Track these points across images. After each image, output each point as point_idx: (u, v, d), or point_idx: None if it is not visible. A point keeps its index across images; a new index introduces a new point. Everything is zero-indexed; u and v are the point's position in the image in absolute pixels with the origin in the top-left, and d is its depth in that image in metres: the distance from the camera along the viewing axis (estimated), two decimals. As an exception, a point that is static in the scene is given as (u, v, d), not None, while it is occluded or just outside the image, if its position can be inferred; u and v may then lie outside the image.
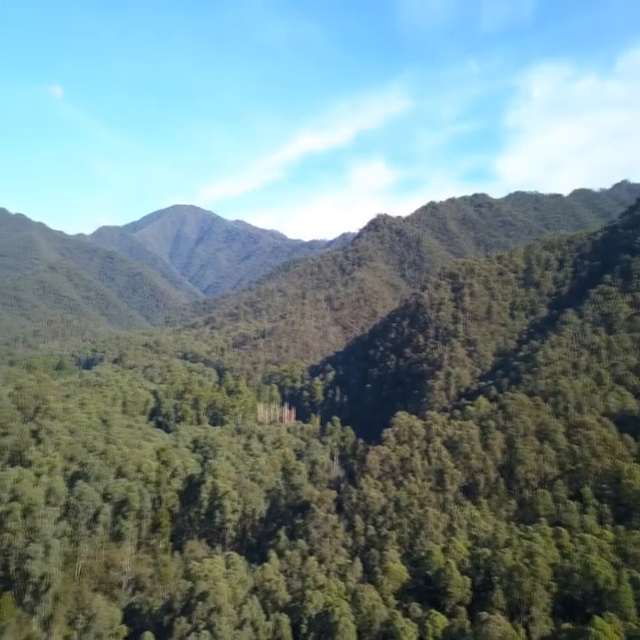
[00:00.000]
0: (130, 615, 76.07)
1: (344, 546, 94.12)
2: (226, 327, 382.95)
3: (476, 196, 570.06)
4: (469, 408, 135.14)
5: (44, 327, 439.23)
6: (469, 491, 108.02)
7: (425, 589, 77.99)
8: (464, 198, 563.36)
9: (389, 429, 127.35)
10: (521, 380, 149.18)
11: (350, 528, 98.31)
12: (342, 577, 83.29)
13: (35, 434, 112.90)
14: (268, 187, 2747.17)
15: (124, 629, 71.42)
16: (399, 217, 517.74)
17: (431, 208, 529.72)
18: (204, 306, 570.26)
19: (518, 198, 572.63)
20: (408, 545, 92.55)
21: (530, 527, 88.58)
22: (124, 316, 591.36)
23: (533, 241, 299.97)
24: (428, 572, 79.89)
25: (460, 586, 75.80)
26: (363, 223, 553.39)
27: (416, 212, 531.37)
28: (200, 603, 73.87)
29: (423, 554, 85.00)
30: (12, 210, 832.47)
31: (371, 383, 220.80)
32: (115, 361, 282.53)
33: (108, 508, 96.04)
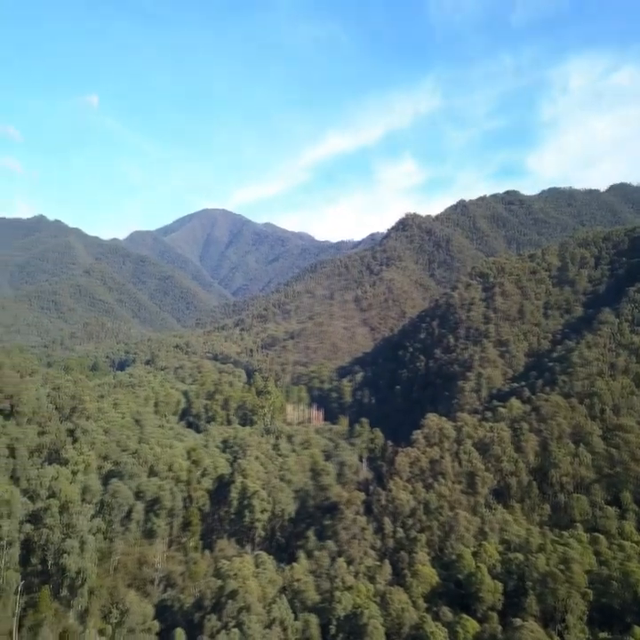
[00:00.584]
0: (162, 611, 77.54)
1: (373, 548, 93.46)
2: (255, 328, 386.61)
3: (507, 193, 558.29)
4: (501, 410, 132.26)
5: (80, 330, 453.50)
6: (501, 494, 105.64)
7: (455, 593, 76.69)
8: (495, 196, 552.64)
9: (419, 431, 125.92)
10: (556, 381, 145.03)
11: (379, 530, 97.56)
12: (371, 579, 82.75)
13: (71, 433, 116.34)
14: (296, 189, 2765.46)
15: (156, 625, 72.84)
16: (428, 216, 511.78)
17: (461, 207, 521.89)
18: (234, 308, 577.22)
19: (552, 195, 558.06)
20: (438, 548, 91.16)
21: (565, 532, 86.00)
22: (155, 318, 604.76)
23: (568, 238, 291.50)
24: (459, 576, 78.56)
25: (491, 591, 74.21)
26: (391, 223, 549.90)
27: (445, 210, 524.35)
28: (230, 601, 74.71)
29: (454, 557, 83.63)
30: (51, 216, 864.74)
31: (400, 384, 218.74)
32: (147, 362, 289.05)
33: (140, 506, 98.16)
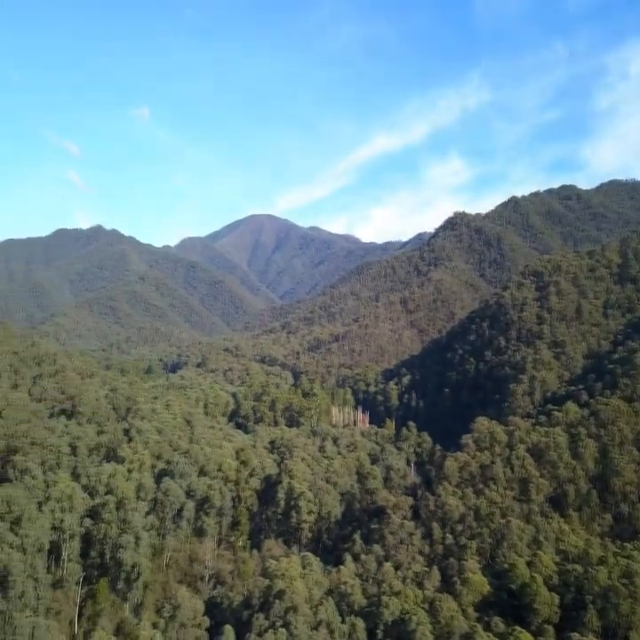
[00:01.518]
0: (211, 608, 79.30)
1: (421, 553, 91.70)
2: (301, 331, 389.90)
3: (562, 187, 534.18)
4: (557, 414, 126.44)
5: (135, 334, 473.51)
6: (557, 502, 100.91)
7: (508, 604, 73.87)
8: (549, 191, 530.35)
9: (468, 435, 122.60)
10: (617, 384, 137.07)
11: (427, 535, 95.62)
12: (419, 585, 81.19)
13: (127, 432, 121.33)
14: (341, 191, 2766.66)
15: (206, 621, 74.57)
16: (478, 214, 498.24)
17: (512, 203, 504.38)
18: (281, 311, 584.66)
19: (612, 188, 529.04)
20: (489, 556, 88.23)
21: (628, 544, 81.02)
22: (206, 322, 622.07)
23: (630, 233, 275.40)
24: (512, 586, 75.66)
25: (547, 603, 70.96)
26: (439, 222, 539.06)
27: (496, 208, 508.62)
28: (277, 601, 75.36)
29: (506, 566, 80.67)
30: (108, 226, 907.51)
31: (448, 388, 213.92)
32: (198, 365, 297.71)
33: (191, 505, 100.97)
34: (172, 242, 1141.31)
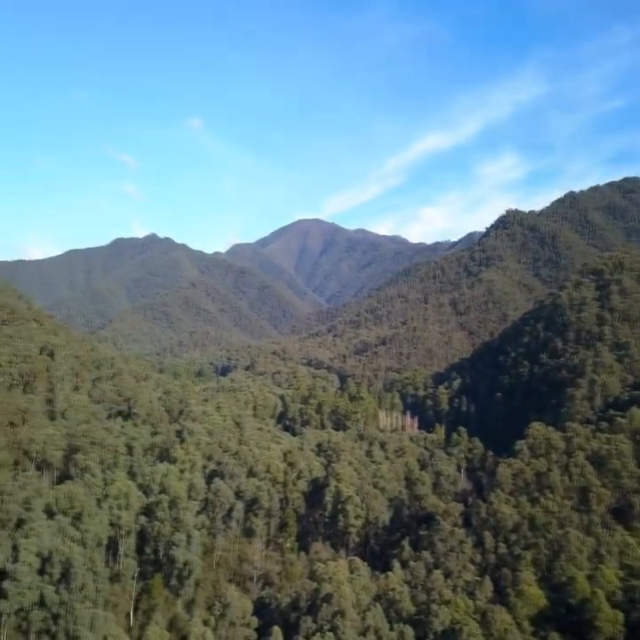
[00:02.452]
0: (260, 608, 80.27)
1: (472, 562, 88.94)
2: (347, 334, 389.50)
3: (625, 180, 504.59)
4: (620, 420, 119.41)
5: (187, 338, 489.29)
6: (620, 513, 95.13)
7: (566, 619, 70.28)
8: (610, 185, 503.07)
9: (523, 441, 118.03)
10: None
11: (479, 544, 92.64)
12: (470, 594, 78.76)
13: (179, 434, 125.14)
14: (388, 192, 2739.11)
15: (255, 621, 75.53)
16: (532, 212, 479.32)
17: (570, 199, 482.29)
18: (327, 314, 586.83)
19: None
20: (545, 568, 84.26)
21: (701, 562, 75.15)
22: (254, 326, 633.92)
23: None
24: (571, 601, 71.97)
25: (610, 620, 66.96)
26: (490, 221, 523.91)
27: (552, 204, 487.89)
28: (325, 604, 75.26)
29: (564, 579, 76.90)
30: (161, 234, 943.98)
31: (501, 392, 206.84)
32: (246, 368, 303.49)
33: (240, 505, 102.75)
34: (223, 248, 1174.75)
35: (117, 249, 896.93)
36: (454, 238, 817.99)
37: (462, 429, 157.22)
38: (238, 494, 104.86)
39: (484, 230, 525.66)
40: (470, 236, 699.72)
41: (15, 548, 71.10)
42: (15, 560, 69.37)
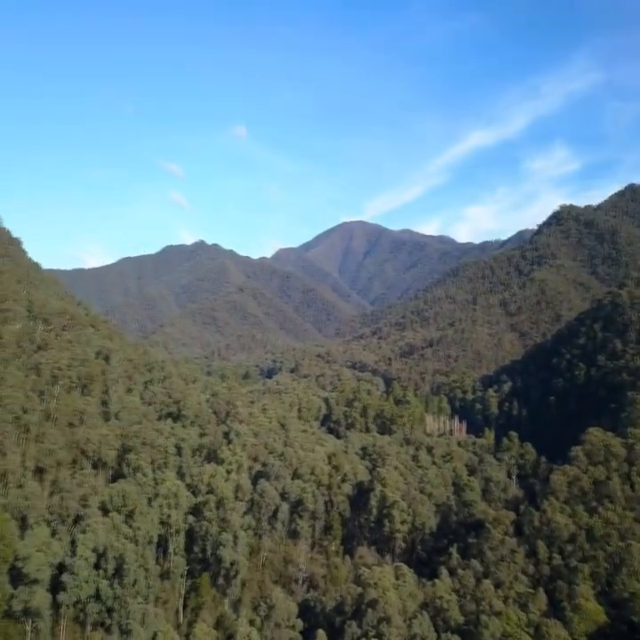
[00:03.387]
0: (304, 610, 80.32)
1: (524, 573, 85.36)
2: (392, 337, 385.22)
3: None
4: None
5: (234, 341, 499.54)
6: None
7: (628, 637, 66.12)
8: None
9: (579, 447, 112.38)
10: None
11: (531, 554, 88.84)
12: (523, 607, 75.56)
13: (226, 435, 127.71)
14: (434, 191, 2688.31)
15: (300, 623, 75.66)
16: (588, 206, 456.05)
17: (630, 192, 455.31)
18: (372, 317, 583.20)
19: None
20: (605, 582, 79.70)
21: None
22: (299, 329, 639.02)
23: None
24: (633, 618, 67.63)
25: (677, 642, 62.37)
26: (542, 218, 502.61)
27: (610, 198, 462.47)
28: (370, 610, 74.40)
29: (626, 595, 72.42)
30: (209, 241, 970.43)
31: (554, 395, 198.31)
32: (291, 370, 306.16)
33: (285, 507, 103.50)
34: (268, 253, 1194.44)
35: (167, 256, 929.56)
36: (503, 237, 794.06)
37: (513, 434, 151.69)
38: (283, 496, 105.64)
39: (535, 228, 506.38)
40: (520, 234, 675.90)
41: (73, 542, 74.71)
42: (73, 554, 72.86)
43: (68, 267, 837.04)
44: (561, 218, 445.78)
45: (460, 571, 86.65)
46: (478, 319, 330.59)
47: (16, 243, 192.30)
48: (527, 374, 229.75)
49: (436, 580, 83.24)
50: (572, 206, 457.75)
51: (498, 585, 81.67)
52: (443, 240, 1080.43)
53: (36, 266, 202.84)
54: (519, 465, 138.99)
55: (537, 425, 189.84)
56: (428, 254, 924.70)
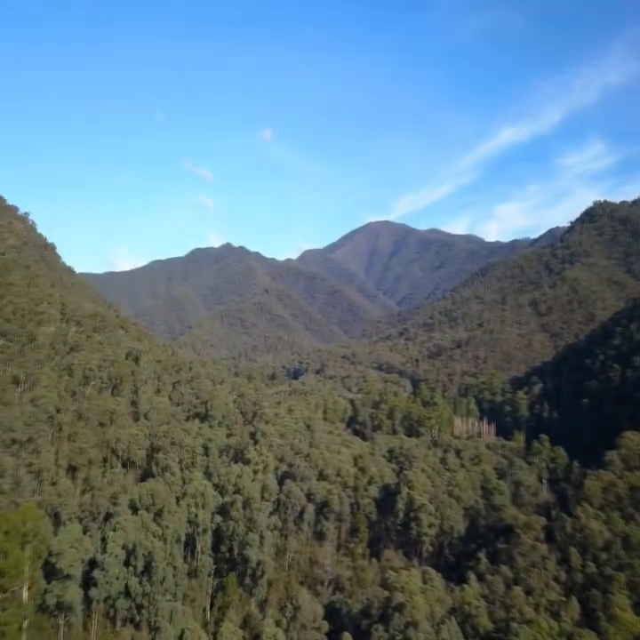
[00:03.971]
0: (330, 612, 80.00)
1: (556, 580, 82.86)
2: (420, 338, 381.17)
3: None
4: None
5: (261, 342, 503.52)
6: None
7: (667, 651, 63.35)
8: None
9: (614, 452, 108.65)
10: None
11: (564, 561, 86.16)
12: (554, 615, 73.34)
13: (252, 435, 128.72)
14: (462, 190, 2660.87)
15: (325, 625, 75.41)
16: (623, 202, 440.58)
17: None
18: (399, 317, 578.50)
19: None
20: (642, 592, 76.63)
21: None
22: (324, 330, 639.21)
23: None
24: (673, 631, 64.78)
25: None
26: (574, 215, 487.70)
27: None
28: (397, 614, 73.52)
29: (664, 607, 69.41)
30: (236, 244, 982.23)
31: (588, 398, 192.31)
32: (317, 371, 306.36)
33: (311, 508, 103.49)
34: (294, 255, 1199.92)
35: (195, 258, 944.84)
36: (533, 236, 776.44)
37: (544, 437, 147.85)
38: (309, 497, 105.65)
39: (567, 225, 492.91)
40: (551, 232, 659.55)
41: (104, 539, 76.50)
42: (104, 551, 74.58)
43: (100, 270, 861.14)
44: (594, 214, 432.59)
45: (489, 576, 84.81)
46: (507, 319, 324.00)
47: (50, 248, 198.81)
48: (559, 376, 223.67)
49: (465, 585, 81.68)
50: (606, 202, 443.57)
51: (529, 592, 79.54)
52: (470, 239, 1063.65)
53: (70, 270, 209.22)
54: (550, 469, 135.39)
55: (569, 428, 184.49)
56: (455, 254, 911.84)
